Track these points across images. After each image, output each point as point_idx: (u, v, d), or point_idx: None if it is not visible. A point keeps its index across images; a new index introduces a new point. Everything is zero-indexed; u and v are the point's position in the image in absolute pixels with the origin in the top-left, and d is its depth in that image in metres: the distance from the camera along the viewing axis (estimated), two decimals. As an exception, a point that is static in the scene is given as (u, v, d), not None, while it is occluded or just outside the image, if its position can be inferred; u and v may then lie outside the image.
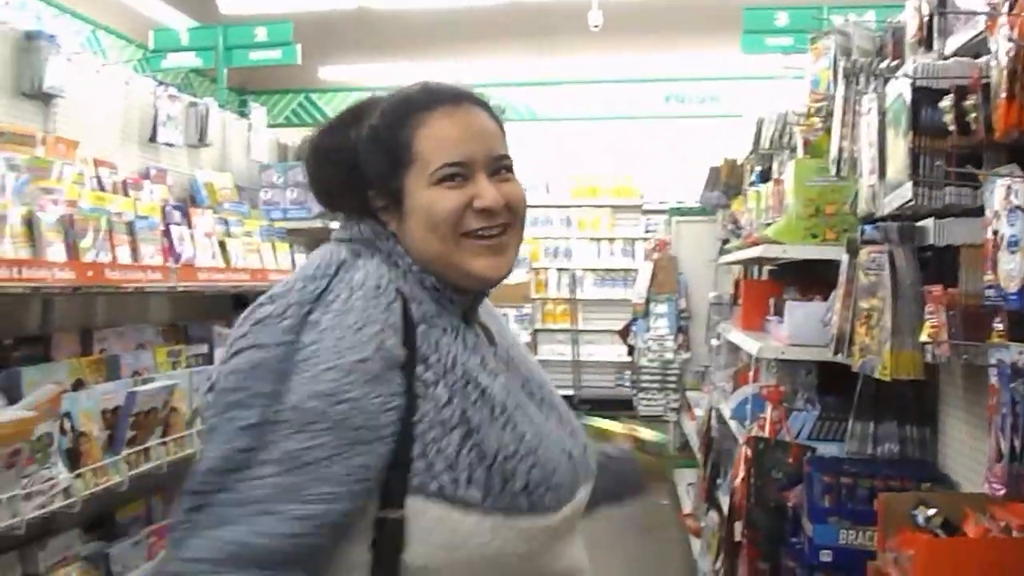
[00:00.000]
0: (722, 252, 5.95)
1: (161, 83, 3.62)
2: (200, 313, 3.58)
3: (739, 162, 5.02)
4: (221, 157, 4.19)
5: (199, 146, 3.91)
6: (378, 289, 1.11)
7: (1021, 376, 1.41)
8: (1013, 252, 1.52)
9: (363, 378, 1.04)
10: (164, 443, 2.83)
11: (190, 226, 3.22)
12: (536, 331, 9.88)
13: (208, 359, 3.35)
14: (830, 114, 3.12)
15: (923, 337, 1.79)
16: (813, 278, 3.51)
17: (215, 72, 5.80)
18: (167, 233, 2.95)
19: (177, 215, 3.15)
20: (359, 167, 1.19)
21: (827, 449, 2.70)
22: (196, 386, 2.95)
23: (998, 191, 1.59)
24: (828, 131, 3.18)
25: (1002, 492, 1.42)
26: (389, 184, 1.17)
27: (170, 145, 3.63)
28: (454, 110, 1.18)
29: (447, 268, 1.16)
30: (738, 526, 2.67)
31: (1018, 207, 1.51)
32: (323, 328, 1.05)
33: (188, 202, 3.62)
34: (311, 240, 4.72)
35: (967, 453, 2.28)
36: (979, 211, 1.87)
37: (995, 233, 1.59)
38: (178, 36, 6.53)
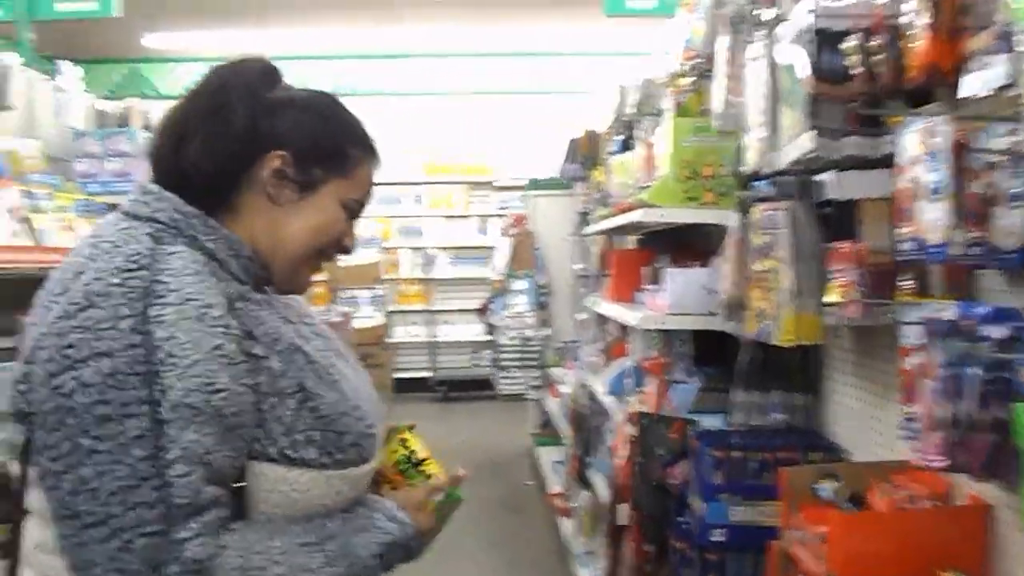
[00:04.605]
0: (583, 224, 5.85)
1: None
2: (2, 301, 3.08)
3: (601, 132, 4.89)
4: (26, 122, 3.65)
5: (-3, 108, 3.38)
6: (198, 275, 1.11)
7: (960, 334, 1.28)
8: (936, 199, 1.39)
9: (223, 364, 1.06)
10: (-41, 454, 2.38)
11: (-15, 199, 2.75)
12: (389, 313, 9.55)
13: (13, 355, 2.87)
14: (702, 73, 3.02)
15: (831, 298, 1.66)
16: (684, 245, 3.42)
17: (16, 31, 5.09)
18: (-47, 206, 2.48)
19: (-32, 185, 2.67)
20: (274, 125, 1.20)
21: (710, 422, 2.58)
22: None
23: (914, 135, 1.46)
24: (698, 92, 3.08)
25: (943, 464, 1.29)
26: (313, 166, 1.21)
27: (-41, 106, 3.10)
28: (375, 163, 1.30)
29: (281, 264, 1.22)
30: (622, 509, 2.52)
31: (940, 151, 1.38)
32: (169, 323, 1.05)
33: (-17, 172, 3.11)
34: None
35: (855, 419, 2.20)
36: (878, 163, 1.77)
37: (913, 181, 1.46)
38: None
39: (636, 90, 3.97)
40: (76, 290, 1.07)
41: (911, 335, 1.51)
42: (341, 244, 1.27)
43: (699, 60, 2.89)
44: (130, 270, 1.07)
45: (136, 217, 1.16)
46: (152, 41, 8.77)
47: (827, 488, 1.79)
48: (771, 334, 1.90)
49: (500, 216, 9.50)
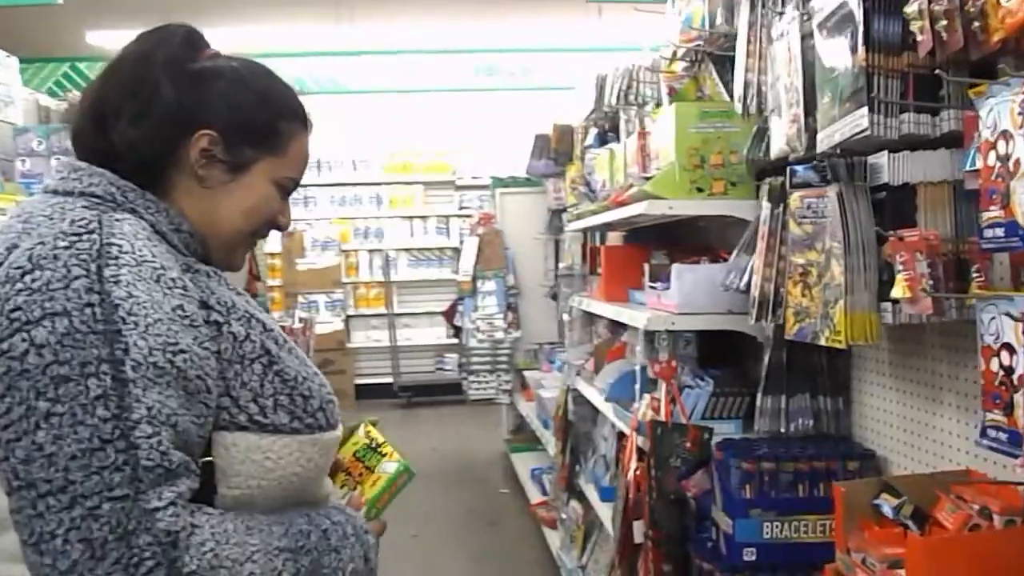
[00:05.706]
0: (554, 222, 5.66)
1: None
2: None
3: (575, 126, 4.70)
4: (-40, 118, 3.35)
5: (-72, 103, 3.08)
6: (149, 240, 1.07)
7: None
8: (1038, 179, 1.22)
9: (184, 325, 1.03)
10: None
11: (-83, 201, 2.46)
12: (349, 317, 9.27)
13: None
14: (697, 60, 2.85)
15: (897, 293, 1.48)
16: (676, 239, 3.24)
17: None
18: None
19: None
20: (200, 98, 1.15)
21: (725, 428, 2.41)
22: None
23: (1005, 106, 1.29)
24: (696, 77, 2.91)
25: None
26: (243, 145, 1.17)
27: None
28: (307, 136, 1.25)
29: (215, 245, 1.18)
30: (638, 526, 2.33)
31: (1042, 123, 1.21)
32: (126, 282, 1.01)
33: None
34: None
35: (894, 424, 2.03)
36: (935, 143, 1.61)
37: (1004, 159, 1.28)
38: None
39: (618, 79, 3.80)
40: (15, 258, 1.01)
41: (998, 332, 1.34)
42: (275, 223, 1.23)
43: (699, 43, 2.72)
44: (77, 234, 1.02)
45: (68, 193, 1.09)
46: (96, 38, 8.37)
47: (888, 504, 1.61)
48: (817, 334, 1.72)
49: (461, 216, 9.29)
